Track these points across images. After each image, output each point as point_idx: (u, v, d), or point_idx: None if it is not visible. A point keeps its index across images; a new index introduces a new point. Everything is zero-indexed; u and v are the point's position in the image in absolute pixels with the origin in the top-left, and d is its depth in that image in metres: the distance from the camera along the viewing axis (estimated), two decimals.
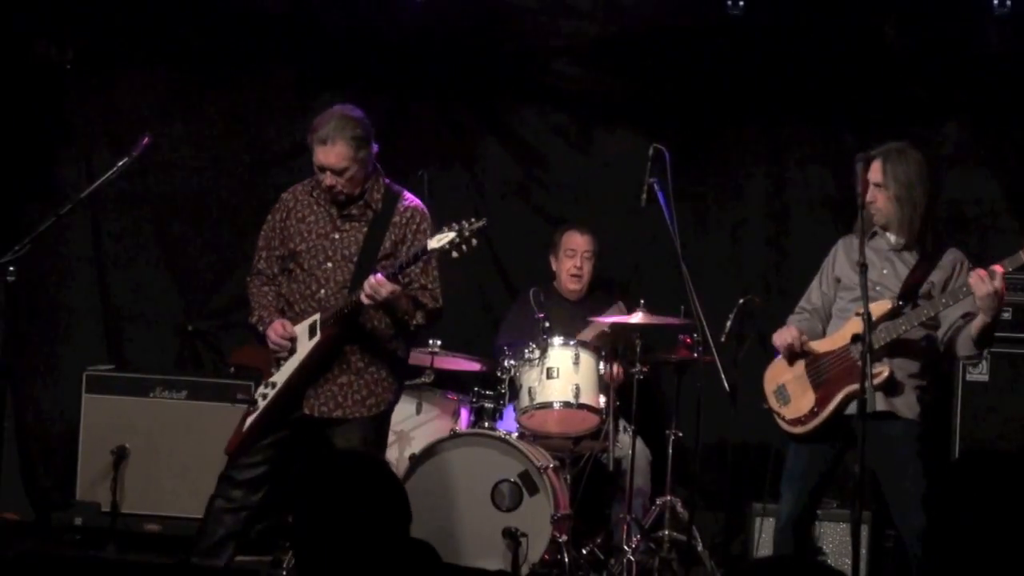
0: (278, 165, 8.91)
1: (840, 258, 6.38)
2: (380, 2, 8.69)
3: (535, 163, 9.01)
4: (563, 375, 7.50)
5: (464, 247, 5.96)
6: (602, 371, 7.59)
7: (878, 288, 6.11)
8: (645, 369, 7.51)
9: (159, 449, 8.13)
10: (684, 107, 8.75)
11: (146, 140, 6.65)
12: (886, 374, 6.02)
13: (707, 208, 8.78)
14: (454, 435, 7.42)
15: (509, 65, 8.82)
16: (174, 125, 8.89)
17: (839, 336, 6.19)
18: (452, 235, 5.93)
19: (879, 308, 6.03)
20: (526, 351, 7.60)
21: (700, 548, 7.65)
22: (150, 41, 8.86)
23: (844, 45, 8.45)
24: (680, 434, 7.64)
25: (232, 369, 6.55)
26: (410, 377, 7.75)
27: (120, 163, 6.62)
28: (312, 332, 6.20)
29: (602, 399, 7.56)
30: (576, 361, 7.51)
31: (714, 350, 7.18)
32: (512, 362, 7.64)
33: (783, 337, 6.31)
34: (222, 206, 8.98)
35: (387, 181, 6.41)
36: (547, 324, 7.63)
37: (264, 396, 6.24)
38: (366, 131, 6.27)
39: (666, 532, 7.62)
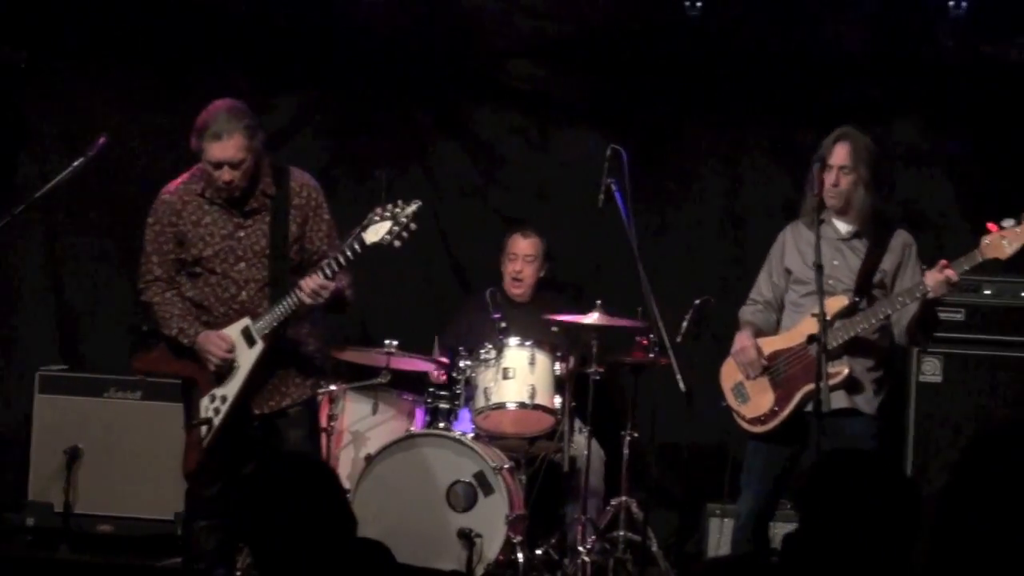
0: None
1: (790, 248, 6.40)
2: (337, 3, 8.67)
3: (493, 163, 9.00)
4: (519, 376, 7.49)
5: (405, 234, 5.89)
6: (557, 370, 7.57)
7: (831, 281, 6.13)
8: (601, 370, 7.50)
9: (113, 450, 8.10)
10: (642, 108, 8.76)
11: (102, 141, 6.62)
12: (845, 373, 6.06)
13: (664, 209, 8.78)
14: (409, 436, 7.42)
15: (467, 66, 8.81)
16: (131, 126, 8.84)
17: (796, 333, 6.21)
18: (388, 224, 5.88)
19: (834, 304, 6.06)
20: (482, 351, 7.58)
21: (655, 548, 7.66)
22: (106, 42, 8.83)
23: (801, 45, 8.48)
24: (635, 435, 7.62)
25: (139, 377, 6.40)
26: (367, 376, 7.76)
27: (76, 163, 6.59)
28: (250, 340, 6.11)
29: (557, 400, 7.55)
30: (532, 362, 7.50)
31: (670, 351, 7.17)
32: (468, 363, 7.61)
33: (747, 355, 6.27)
34: None
35: (268, 162, 6.29)
36: (503, 325, 7.62)
37: (217, 411, 6.14)
38: (254, 119, 6.21)
39: (621, 532, 7.60)
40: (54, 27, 8.77)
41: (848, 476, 3.45)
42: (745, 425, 6.36)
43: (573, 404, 7.62)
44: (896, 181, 8.39)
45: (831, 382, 5.99)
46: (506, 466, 7.38)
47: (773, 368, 6.27)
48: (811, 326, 5.98)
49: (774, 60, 8.53)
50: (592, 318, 7.42)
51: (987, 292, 7.49)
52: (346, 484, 7.35)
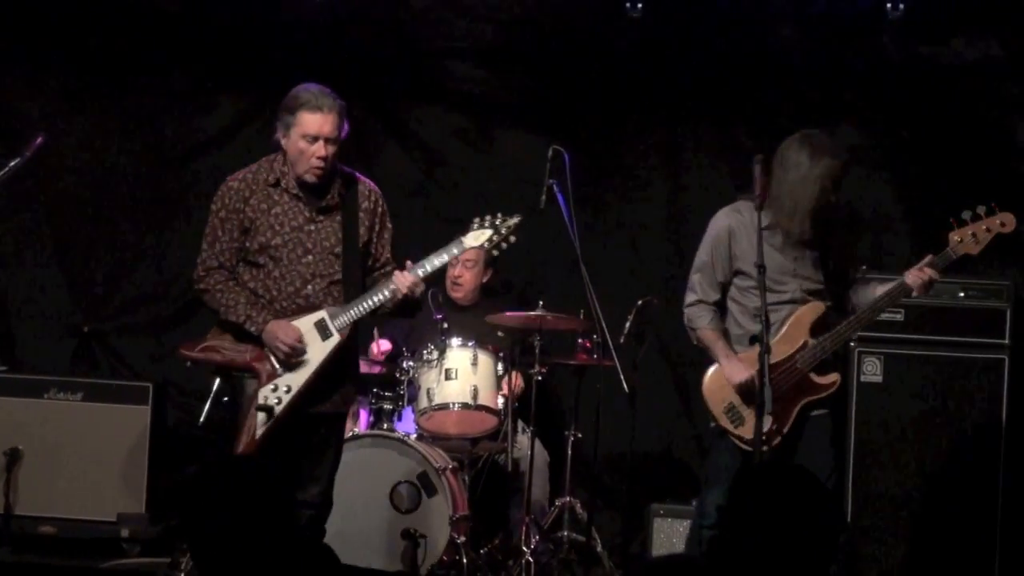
0: (174, 166, 8.88)
1: (744, 250, 6.22)
2: (277, 2, 8.64)
3: (434, 164, 8.99)
4: (461, 376, 7.49)
5: (504, 245, 6.11)
6: (501, 374, 7.57)
7: (803, 288, 6.17)
8: (543, 370, 7.51)
9: (54, 451, 8.05)
10: (583, 108, 8.77)
11: (39, 140, 6.57)
12: (837, 384, 6.17)
13: (606, 210, 8.80)
14: (353, 436, 7.36)
15: (406, 66, 8.79)
16: (68, 125, 8.81)
17: (778, 347, 6.09)
18: (489, 232, 6.05)
19: (812, 312, 6.09)
20: (424, 352, 7.56)
21: (599, 548, 7.70)
22: (43, 40, 8.78)
23: (740, 47, 8.52)
24: (579, 435, 7.64)
25: (188, 364, 6.21)
26: None
27: (12, 163, 6.54)
28: (324, 332, 6.02)
29: (500, 400, 7.55)
30: (474, 362, 7.50)
31: (614, 353, 7.17)
32: (411, 363, 7.60)
33: (747, 386, 6.16)
34: (117, 206, 8.92)
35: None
36: (445, 325, 7.61)
37: (279, 400, 6.00)
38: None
39: (565, 533, 7.62)
40: None
41: (760, 493, 3.51)
42: (746, 447, 6.19)
43: (516, 405, 7.62)
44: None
45: (828, 392, 6.13)
46: (450, 467, 7.38)
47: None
48: (795, 340, 6.06)
49: (715, 61, 8.58)
50: (536, 315, 7.42)
51: None
52: None
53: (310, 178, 6.06)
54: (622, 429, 7.70)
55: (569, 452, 7.64)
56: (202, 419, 7.38)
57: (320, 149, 6.00)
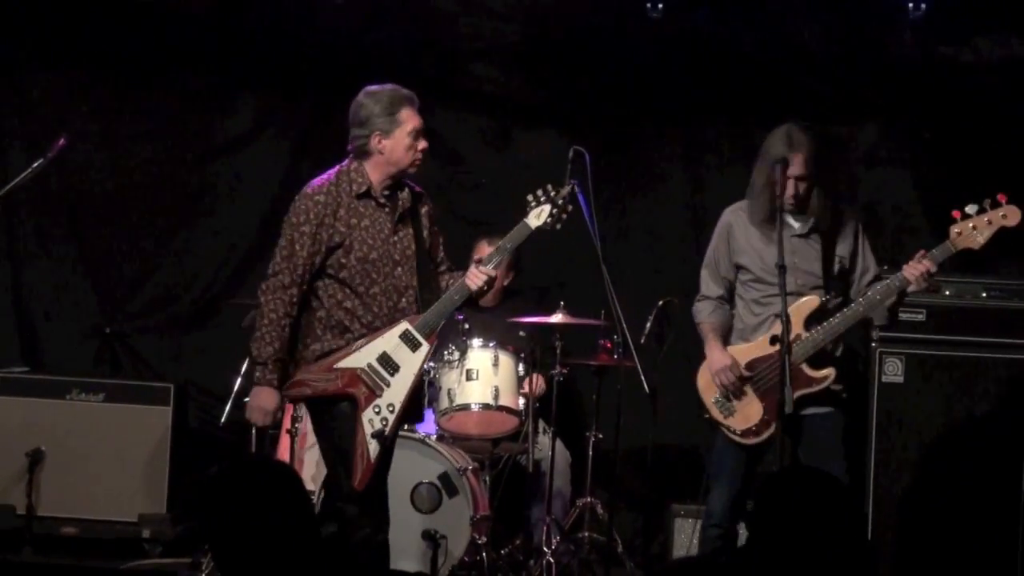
0: (196, 167, 8.93)
1: (740, 243, 6.34)
2: (300, 3, 8.65)
3: (455, 164, 8.99)
4: (482, 377, 7.48)
5: (564, 216, 6.02)
6: (521, 375, 7.57)
7: (799, 281, 6.14)
8: (565, 371, 7.50)
9: (76, 452, 8.07)
10: (604, 109, 8.78)
11: (62, 142, 6.58)
12: (830, 378, 6.11)
13: (627, 210, 8.79)
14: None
15: (428, 67, 8.79)
16: (91, 126, 8.84)
17: (766, 339, 6.15)
18: (548, 207, 5.98)
19: (807, 306, 6.05)
20: (445, 353, 7.56)
21: (620, 549, 7.71)
22: (66, 42, 8.81)
23: (762, 47, 8.52)
24: (600, 436, 7.64)
25: (288, 403, 6.09)
26: None
27: (35, 164, 6.55)
28: (412, 343, 5.90)
29: (521, 401, 7.54)
30: (495, 363, 7.49)
31: (634, 354, 7.16)
32: (431, 364, 7.59)
33: (728, 377, 6.25)
34: (139, 207, 8.93)
35: None
36: (467, 326, 7.60)
37: (385, 421, 5.85)
38: None
39: (586, 533, 7.64)
40: (15, 29, 8.74)
41: (793, 500, 3.50)
42: (737, 438, 6.28)
43: (537, 405, 7.62)
44: (858, 181, 8.43)
45: (820, 386, 6.07)
46: (470, 467, 7.37)
47: (756, 377, 6.25)
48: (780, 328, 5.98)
49: (735, 61, 8.57)
50: (556, 318, 7.43)
51: (947, 293, 7.49)
52: (311, 486, 7.34)
53: (412, 170, 6.01)
54: (643, 429, 7.70)
55: (590, 453, 7.65)
56: (223, 420, 7.46)
57: (423, 142, 5.99)
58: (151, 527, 7.97)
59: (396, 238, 5.95)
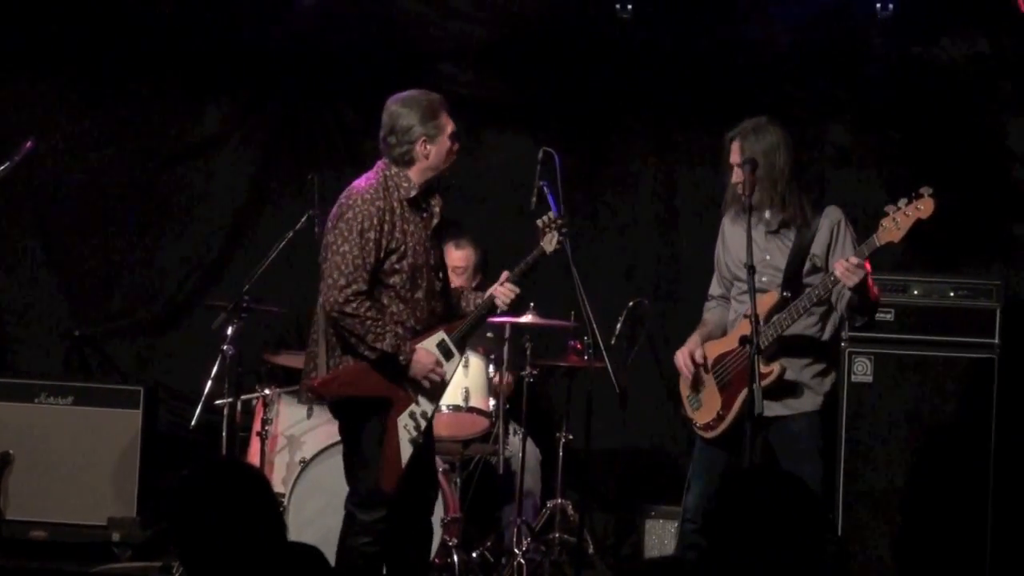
0: (165, 169, 8.92)
1: (727, 244, 6.41)
2: (268, 6, 8.66)
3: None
4: (452, 378, 7.48)
5: (562, 245, 6.30)
6: (491, 376, 7.60)
7: (764, 279, 6.14)
8: (535, 372, 7.53)
9: (45, 455, 8.07)
10: (573, 110, 8.78)
11: (30, 144, 6.58)
12: (775, 372, 6.07)
13: (597, 211, 8.80)
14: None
15: (395, 68, 8.78)
16: (59, 128, 8.81)
17: (735, 335, 6.15)
18: (556, 235, 6.23)
19: (766, 302, 6.06)
20: None
21: (591, 550, 7.71)
22: (33, 44, 8.78)
23: (730, 48, 8.53)
24: (570, 437, 7.67)
25: (328, 402, 6.16)
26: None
27: (3, 167, 6.53)
28: (447, 352, 6.10)
29: (491, 402, 7.58)
30: (465, 364, 7.50)
31: (605, 355, 7.18)
32: None
33: (683, 359, 6.33)
34: (108, 210, 8.92)
35: None
36: None
37: (418, 429, 6.01)
38: None
39: (557, 534, 7.64)
40: None
41: (748, 500, 3.53)
42: (699, 431, 6.32)
43: (507, 406, 7.65)
44: (827, 183, 8.46)
45: (765, 382, 5.95)
46: (441, 469, 7.38)
47: (719, 372, 6.28)
48: (747, 327, 5.95)
49: (705, 62, 8.58)
50: (526, 319, 7.45)
51: (916, 292, 7.53)
52: (280, 488, 7.40)
53: (447, 173, 6.23)
54: (613, 430, 7.73)
55: (561, 454, 7.67)
56: (193, 423, 7.46)
57: (457, 143, 6.17)
58: (121, 531, 7.96)
59: (431, 243, 6.12)
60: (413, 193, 6.04)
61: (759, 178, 6.10)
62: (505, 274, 6.27)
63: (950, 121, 8.40)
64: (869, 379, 7.50)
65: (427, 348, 6.04)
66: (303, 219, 7.58)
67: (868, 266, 5.95)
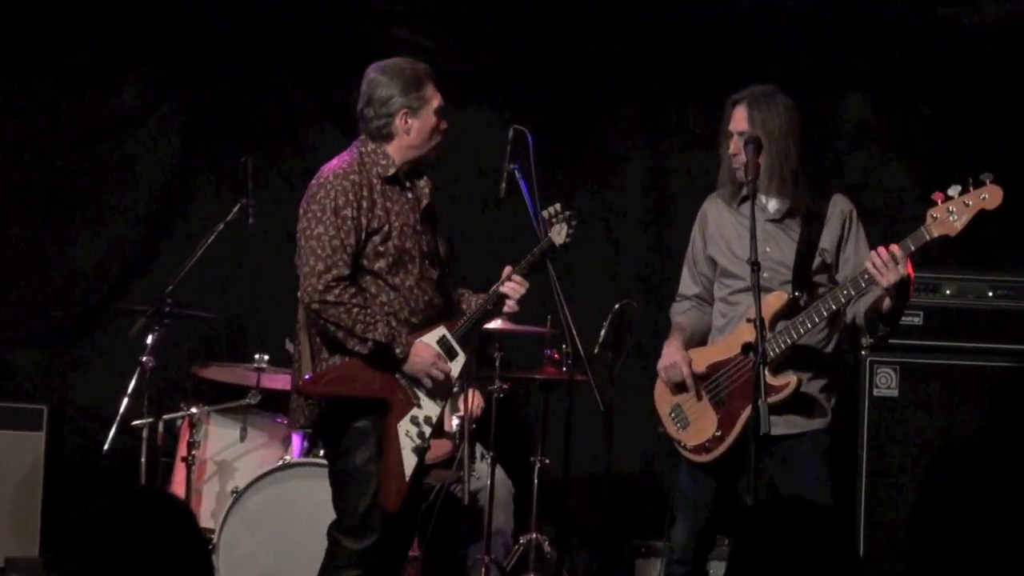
0: (74, 153, 8.89)
1: (712, 232, 6.33)
2: None
3: None
4: None
5: (570, 239, 6.37)
6: (457, 404, 7.57)
7: (765, 275, 5.98)
8: (505, 387, 7.50)
9: None
10: (551, 83, 8.76)
11: None
12: (792, 384, 6.00)
13: (577, 199, 8.75)
14: (285, 466, 7.40)
15: (344, 35, 8.75)
16: None
17: (733, 340, 6.09)
18: (564, 227, 6.29)
19: (772, 303, 5.98)
20: None
21: None
22: None
23: (732, 10, 8.52)
24: (547, 461, 7.67)
25: (321, 404, 5.99)
26: (233, 397, 7.79)
27: None
28: (449, 351, 6.09)
29: (455, 422, 7.53)
30: None
31: (587, 366, 7.15)
32: None
33: (675, 372, 6.24)
34: (8, 200, 8.89)
35: None
36: None
37: (422, 436, 6.00)
38: None
39: (531, 575, 7.63)
40: None
41: (775, 537, 3.51)
42: (688, 455, 6.21)
43: (474, 427, 7.62)
44: (843, 163, 8.45)
45: (777, 397, 5.91)
46: None
47: (713, 384, 6.18)
48: (749, 332, 5.84)
49: (702, 27, 8.57)
50: (494, 325, 7.42)
51: (948, 292, 7.50)
52: (209, 523, 7.41)
53: (433, 154, 6.22)
54: (597, 454, 7.70)
55: (536, 481, 7.68)
56: (107, 447, 7.41)
57: (445, 121, 6.20)
58: (20, 573, 7.92)
59: (420, 227, 6.12)
60: (392, 171, 6.06)
61: (765, 155, 6.02)
62: (508, 269, 6.27)
63: (986, 92, 8.36)
64: (894, 393, 7.47)
65: (427, 343, 6.03)
66: (235, 209, 7.56)
67: (910, 265, 5.83)
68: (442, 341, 6.07)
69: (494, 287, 6.24)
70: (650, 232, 8.81)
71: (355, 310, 5.86)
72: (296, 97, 8.95)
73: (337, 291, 5.86)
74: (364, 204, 5.95)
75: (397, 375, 5.96)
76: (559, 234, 6.28)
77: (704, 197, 6.38)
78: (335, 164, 6.05)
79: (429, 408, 6.03)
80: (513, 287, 6.22)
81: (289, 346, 7.82)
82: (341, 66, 8.91)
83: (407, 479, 5.95)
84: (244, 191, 7.51)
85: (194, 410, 7.67)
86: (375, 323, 5.88)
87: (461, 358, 6.12)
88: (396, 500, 5.92)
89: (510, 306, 6.24)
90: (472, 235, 8.48)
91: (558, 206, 6.32)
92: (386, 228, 5.98)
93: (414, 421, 5.99)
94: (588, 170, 8.90)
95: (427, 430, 6.01)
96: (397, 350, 5.92)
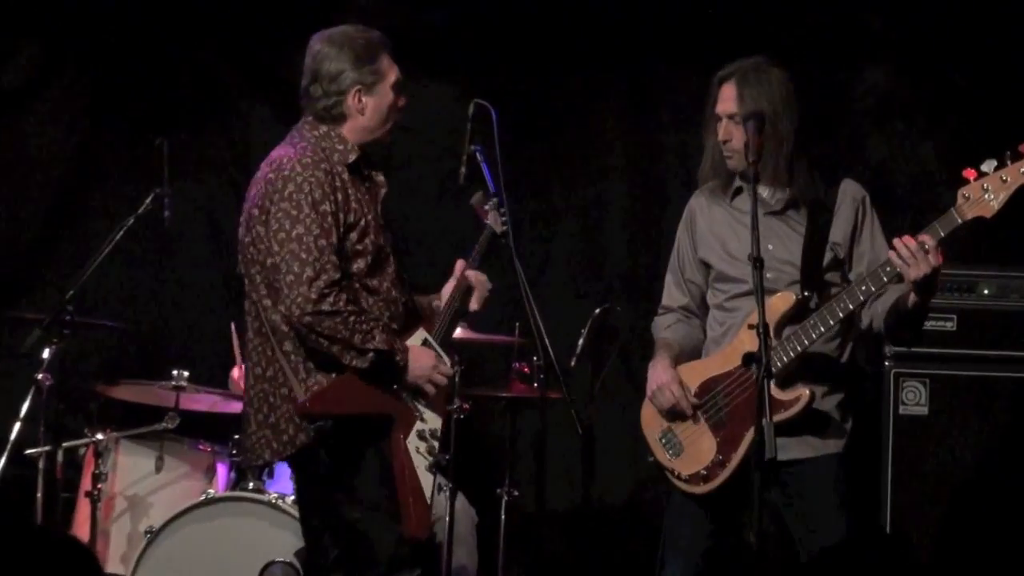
0: None
1: (702, 233, 6.31)
2: None
3: None
4: None
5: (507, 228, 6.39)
6: None
7: (768, 275, 5.91)
8: (466, 406, 7.43)
9: None
10: (518, 50, 8.77)
11: None
12: (805, 398, 5.94)
13: (551, 184, 8.79)
14: (208, 501, 7.41)
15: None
16: None
17: (732, 351, 6.06)
18: (496, 213, 6.33)
19: (778, 305, 5.96)
20: None
21: None
22: None
23: None
24: (516, 493, 7.69)
25: (327, 423, 5.97)
26: (147, 421, 7.73)
27: None
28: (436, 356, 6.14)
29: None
30: None
31: (562, 381, 7.09)
32: None
33: (665, 397, 6.17)
34: None
35: None
36: None
37: (432, 451, 6.04)
38: None
39: None
40: None
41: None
42: (682, 485, 6.19)
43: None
44: (863, 144, 8.45)
45: (785, 414, 5.89)
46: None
47: (709, 403, 6.15)
48: (750, 341, 5.80)
49: None
50: (454, 334, 7.35)
51: (986, 292, 7.49)
52: (119, 569, 7.44)
53: (387, 138, 6.19)
54: (575, 484, 7.68)
55: (503, 516, 7.68)
56: None
57: (403, 99, 6.16)
58: None
59: (381, 221, 6.11)
60: (352, 157, 6.02)
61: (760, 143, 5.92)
62: (461, 263, 6.31)
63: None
64: (923, 410, 7.48)
65: (422, 347, 6.08)
66: (148, 200, 7.53)
67: (941, 260, 5.74)
68: (425, 344, 6.12)
69: (453, 283, 6.29)
70: (636, 224, 8.83)
71: (351, 319, 5.81)
72: (224, 71, 8.90)
73: (331, 299, 5.78)
74: (339, 197, 5.90)
75: (395, 386, 5.96)
76: (496, 222, 6.30)
77: (694, 181, 6.36)
78: (294, 153, 5.93)
79: (432, 420, 6.08)
80: (481, 282, 6.27)
81: (236, 371, 7.81)
82: (271, 32, 8.89)
83: (429, 502, 5.98)
84: (158, 179, 7.43)
85: (100, 436, 7.62)
86: (372, 330, 5.86)
87: (447, 362, 6.17)
88: (423, 527, 5.94)
89: (478, 299, 6.26)
90: (428, 227, 8.47)
91: (480, 194, 6.35)
92: (363, 223, 5.96)
93: (421, 436, 6.02)
94: (563, 152, 8.94)
95: (435, 445, 6.04)
96: (398, 357, 5.93)
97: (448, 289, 6.33)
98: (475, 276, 6.24)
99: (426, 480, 5.96)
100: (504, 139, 6.62)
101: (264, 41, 8.96)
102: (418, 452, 5.98)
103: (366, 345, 5.81)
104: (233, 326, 7.69)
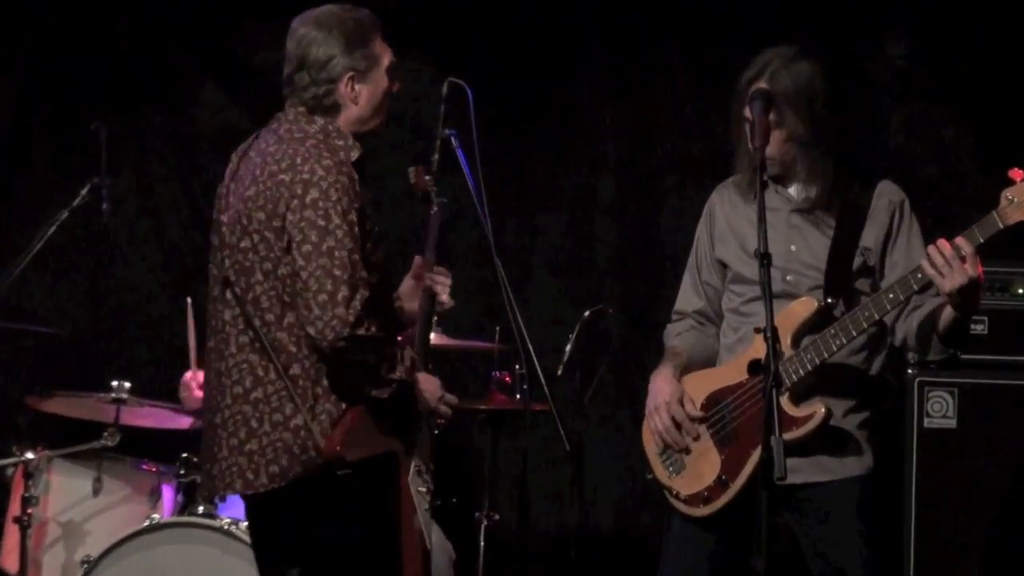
0: None
1: (722, 231, 6.31)
2: None
3: (276, 109, 8.86)
4: None
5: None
6: None
7: (789, 278, 6.03)
8: (442, 421, 7.39)
9: None
10: (496, 25, 8.79)
11: None
12: (818, 418, 5.90)
13: (533, 172, 8.75)
14: (153, 526, 7.38)
15: None
16: None
17: (741, 361, 6.08)
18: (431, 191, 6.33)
19: (798, 311, 5.96)
20: None
21: None
22: None
23: None
24: (497, 517, 7.70)
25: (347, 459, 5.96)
26: (84, 438, 7.72)
27: None
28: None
29: None
30: None
31: (548, 392, 7.05)
32: None
33: (662, 418, 6.15)
34: None
35: None
36: None
37: (429, 491, 6.07)
38: None
39: None
40: None
41: None
42: (682, 507, 6.17)
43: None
44: (884, 125, 8.48)
45: (798, 432, 5.87)
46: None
47: (716, 417, 6.14)
48: (763, 348, 5.67)
49: None
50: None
51: (1020, 291, 7.48)
52: None
53: (379, 129, 6.15)
54: (562, 505, 7.64)
55: (482, 543, 7.68)
56: None
57: (397, 83, 6.14)
58: None
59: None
60: (355, 154, 5.95)
61: (792, 140, 5.99)
62: (418, 259, 6.25)
63: None
64: (951, 423, 7.44)
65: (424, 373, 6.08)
66: (84, 191, 7.53)
67: (981, 270, 5.71)
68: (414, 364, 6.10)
69: (412, 282, 6.25)
70: (628, 218, 8.81)
71: (382, 344, 5.80)
72: (172, 50, 8.92)
73: (367, 322, 5.73)
74: (357, 204, 5.85)
75: (400, 420, 5.94)
76: (442, 206, 6.32)
77: (701, 171, 6.29)
78: (305, 151, 5.88)
79: (423, 453, 6.06)
80: (442, 281, 6.18)
81: (190, 377, 7.75)
82: (224, 2, 8.86)
83: (429, 547, 5.99)
84: (96, 168, 7.36)
85: (30, 455, 7.61)
86: (395, 359, 5.85)
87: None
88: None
89: (444, 301, 6.18)
90: (396, 216, 8.41)
91: (416, 168, 6.35)
92: (376, 230, 5.93)
93: (419, 474, 6.01)
94: (547, 136, 8.94)
95: (430, 484, 6.05)
96: (415, 387, 5.96)
97: (407, 288, 6.26)
98: (431, 277, 6.14)
99: (428, 527, 5.98)
100: (482, 122, 6.59)
101: (216, 13, 8.92)
102: (418, 493, 5.95)
103: (391, 376, 5.77)
104: (191, 326, 7.61)
